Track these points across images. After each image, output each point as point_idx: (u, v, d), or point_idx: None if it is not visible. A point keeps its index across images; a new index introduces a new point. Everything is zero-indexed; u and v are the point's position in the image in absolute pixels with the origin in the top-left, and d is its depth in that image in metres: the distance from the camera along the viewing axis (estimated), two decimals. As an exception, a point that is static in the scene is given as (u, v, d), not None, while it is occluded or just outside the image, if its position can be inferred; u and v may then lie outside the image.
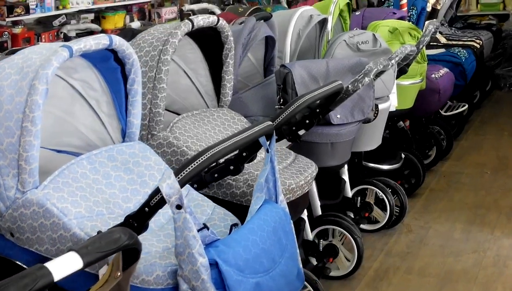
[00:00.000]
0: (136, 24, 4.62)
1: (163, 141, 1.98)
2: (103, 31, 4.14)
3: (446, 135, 4.49)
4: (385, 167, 3.52)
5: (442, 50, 4.69)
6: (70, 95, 1.74)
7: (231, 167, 1.75)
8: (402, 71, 3.27)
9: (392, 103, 3.20)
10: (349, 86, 2.26)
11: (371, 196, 3.37)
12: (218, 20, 2.09)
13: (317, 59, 2.69)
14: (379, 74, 2.59)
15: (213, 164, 1.69)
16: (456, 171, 4.32)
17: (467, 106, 4.72)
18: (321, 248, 2.80)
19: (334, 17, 3.42)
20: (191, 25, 2.01)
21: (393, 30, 3.41)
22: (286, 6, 6.30)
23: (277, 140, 2.27)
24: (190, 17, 2.03)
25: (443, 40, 5.14)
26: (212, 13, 5.55)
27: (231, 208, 1.86)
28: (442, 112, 4.58)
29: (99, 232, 1.42)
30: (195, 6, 5.45)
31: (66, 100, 1.74)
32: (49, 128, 1.73)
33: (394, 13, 3.91)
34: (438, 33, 5.26)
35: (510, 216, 3.52)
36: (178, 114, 2.28)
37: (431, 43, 4.95)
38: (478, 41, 5.19)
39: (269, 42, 2.67)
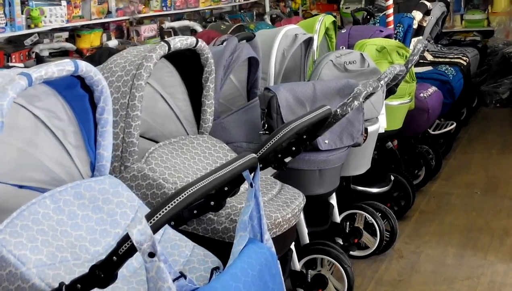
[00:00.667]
0: (113, 42, 4.46)
1: (138, 174, 1.83)
2: (78, 50, 3.97)
3: (435, 154, 4.38)
4: (374, 190, 3.39)
5: (429, 67, 4.60)
6: (33, 125, 1.58)
7: (212, 203, 1.60)
8: (391, 91, 3.15)
9: (381, 125, 3.08)
10: (338, 110, 2.13)
11: (360, 221, 3.23)
12: (197, 41, 1.94)
13: (303, 82, 2.56)
14: (368, 96, 2.47)
15: (192, 201, 1.53)
16: (446, 191, 4.20)
17: (455, 124, 4.63)
18: (309, 279, 2.65)
19: (320, 36, 3.30)
20: (167, 48, 1.87)
21: (380, 48, 3.29)
22: (270, 23, 6.19)
23: (261, 169, 2.13)
24: (166, 39, 1.89)
25: (429, 57, 5.05)
26: (194, 30, 5.43)
27: (212, 245, 1.71)
28: (431, 131, 4.48)
29: (61, 284, 1.26)
30: (175, 24, 5.32)
31: (29, 131, 1.58)
32: (10, 161, 1.58)
33: (381, 31, 3.81)
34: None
35: (503, 239, 3.39)
36: (155, 141, 2.13)
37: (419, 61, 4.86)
38: (464, 58, 5.12)
39: (252, 63, 2.54)
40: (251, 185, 1.51)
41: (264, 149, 1.64)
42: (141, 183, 1.81)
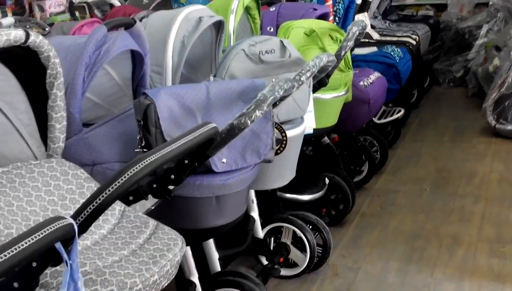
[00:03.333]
0: (7, 21, 3.83)
1: None
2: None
3: (380, 146, 3.94)
4: (305, 197, 2.92)
5: (374, 48, 4.11)
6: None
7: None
8: (321, 83, 2.66)
9: (308, 125, 2.59)
10: (234, 122, 1.61)
11: (287, 235, 2.75)
12: (28, 36, 1.40)
13: (193, 84, 2.03)
14: (283, 98, 1.96)
15: None
16: (392, 188, 3.77)
17: (403, 111, 4.18)
18: None
19: (237, 17, 2.77)
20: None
21: (309, 32, 2.78)
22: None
23: (133, 201, 1.62)
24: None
25: (375, 36, 4.57)
26: (111, 5, 4.82)
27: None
28: (375, 120, 4.02)
29: None
30: (89, -3, 4.69)
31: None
32: None
33: (315, 9, 3.29)
34: (370, 28, 4.69)
35: (452, 249, 2.97)
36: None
37: (362, 40, 4.38)
38: (414, 36, 4.66)
39: (136, 57, 2.00)
40: (66, 263, 1.00)
41: (86, 214, 1.09)
42: None
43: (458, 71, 6.07)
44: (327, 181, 3.04)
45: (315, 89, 2.68)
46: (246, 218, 2.63)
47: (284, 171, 2.38)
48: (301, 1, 3.93)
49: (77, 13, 4.65)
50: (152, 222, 1.53)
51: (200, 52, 2.60)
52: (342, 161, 3.55)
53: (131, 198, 1.58)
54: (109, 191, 1.09)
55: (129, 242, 1.42)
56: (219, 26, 2.50)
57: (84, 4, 4.75)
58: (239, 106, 1.68)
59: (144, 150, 1.70)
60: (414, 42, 4.53)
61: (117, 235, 1.44)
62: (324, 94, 2.83)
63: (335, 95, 2.87)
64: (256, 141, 1.80)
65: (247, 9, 2.99)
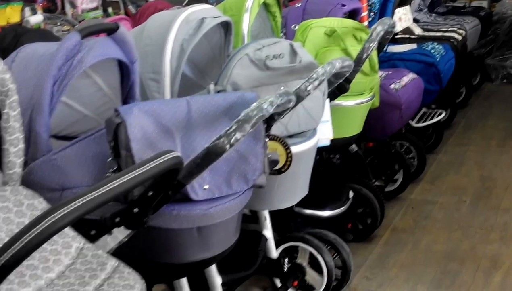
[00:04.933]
0: (36, 18, 3.72)
1: None
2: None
3: (417, 152, 3.63)
4: (326, 213, 2.67)
5: (414, 45, 3.79)
6: None
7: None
8: (341, 89, 2.40)
9: (324, 136, 2.35)
10: (210, 147, 1.39)
11: (303, 256, 2.52)
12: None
13: (173, 99, 1.83)
14: (281, 113, 1.73)
15: None
16: (428, 199, 3.46)
17: (444, 113, 3.85)
18: None
19: (253, 15, 2.53)
20: None
21: (330, 32, 2.52)
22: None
23: (96, 237, 1.43)
24: None
25: (417, 31, 4.24)
26: (146, 0, 4.67)
27: None
28: (413, 123, 3.72)
29: None
30: (121, -8, 4.54)
31: None
32: None
33: (343, 5, 3.02)
34: (412, 22, 4.37)
35: (489, 273, 2.68)
36: None
37: (400, 36, 4.07)
38: (460, 31, 4.29)
39: (123, 67, 1.80)
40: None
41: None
42: None
43: (512, 67, 5.63)
44: (351, 194, 2.78)
45: (335, 96, 2.43)
46: (258, 236, 2.42)
47: (293, 189, 2.14)
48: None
49: (110, 9, 4.51)
50: (112, 263, 1.33)
51: (208, 56, 2.39)
52: (373, 170, 3.29)
53: (93, 232, 1.39)
54: (12, 251, 0.89)
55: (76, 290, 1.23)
56: (227, 27, 2.28)
57: (119, 0, 4.62)
58: (225, 125, 1.46)
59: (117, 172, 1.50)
60: (460, 38, 4.17)
61: (66, 280, 1.26)
62: (347, 101, 2.57)
63: (359, 101, 2.60)
64: (243, 165, 1.57)
65: (266, 7, 2.76)
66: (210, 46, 2.36)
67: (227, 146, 1.39)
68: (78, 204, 0.98)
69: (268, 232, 2.41)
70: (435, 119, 3.74)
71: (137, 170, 1.13)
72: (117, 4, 4.64)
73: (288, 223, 2.63)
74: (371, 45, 2.36)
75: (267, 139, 1.80)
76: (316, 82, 1.90)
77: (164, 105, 1.54)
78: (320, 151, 2.50)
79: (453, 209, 3.31)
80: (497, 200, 3.36)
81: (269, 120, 1.78)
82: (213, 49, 2.37)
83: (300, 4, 3.12)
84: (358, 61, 2.37)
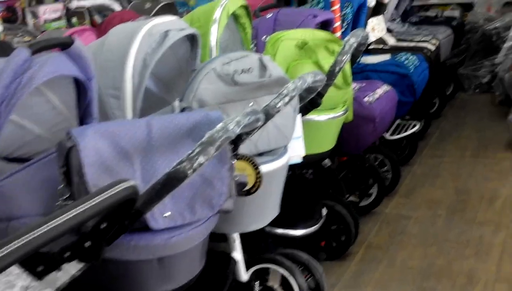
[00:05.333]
0: (-6, 29, 3.58)
1: None
2: None
3: (392, 165, 3.57)
4: (298, 232, 2.57)
5: (387, 56, 3.74)
6: None
7: None
8: (313, 104, 2.32)
9: (296, 153, 2.25)
10: (170, 172, 1.29)
11: (275, 278, 2.42)
12: None
13: (133, 119, 1.71)
14: (249, 133, 1.63)
15: None
16: (403, 213, 3.39)
17: (418, 125, 3.80)
18: None
19: (221, 27, 2.43)
20: None
21: (302, 44, 2.43)
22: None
23: (44, 273, 1.30)
24: None
25: (391, 41, 4.19)
26: (111, 10, 4.54)
27: None
28: (387, 136, 3.65)
29: None
30: (87, 2, 4.41)
31: None
32: None
33: (315, 16, 2.94)
34: (386, 32, 4.31)
35: (465, 289, 2.60)
36: None
37: (373, 47, 4.01)
38: (433, 41, 4.26)
39: (79, 84, 1.68)
40: None
41: None
42: None
43: (485, 76, 5.63)
44: (324, 211, 2.69)
45: (307, 111, 2.34)
46: (226, 259, 2.31)
47: (263, 210, 2.04)
48: (303, 6, 3.59)
49: (74, 19, 4.37)
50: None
51: (174, 70, 2.28)
52: (347, 185, 3.21)
53: (40, 268, 1.27)
54: None
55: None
56: (192, 40, 2.17)
57: (84, 10, 4.48)
58: (189, 147, 1.36)
59: (68, 201, 1.39)
60: (433, 48, 4.14)
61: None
62: (319, 116, 2.48)
63: (332, 116, 2.52)
64: (208, 190, 1.47)
65: (235, 18, 2.66)
66: (176, 59, 2.25)
67: (189, 171, 1.29)
68: (16, 246, 0.87)
69: (237, 254, 2.30)
70: (409, 132, 3.68)
71: (86, 203, 1.02)
72: (82, 14, 4.51)
73: (259, 243, 2.53)
74: (343, 58, 2.28)
75: (235, 159, 1.71)
76: (287, 99, 1.81)
77: (122, 126, 1.43)
78: (292, 166, 2.41)
79: (428, 223, 3.24)
80: (472, 212, 3.30)
81: (237, 140, 1.68)
82: (180, 62, 2.26)
83: (271, 15, 3.04)
84: (331, 75, 2.29)
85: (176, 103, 1.92)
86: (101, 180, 1.36)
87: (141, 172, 1.42)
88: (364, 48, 2.61)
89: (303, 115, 2.34)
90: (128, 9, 4.39)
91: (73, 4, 4.25)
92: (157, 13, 4.19)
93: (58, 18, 4.35)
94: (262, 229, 2.46)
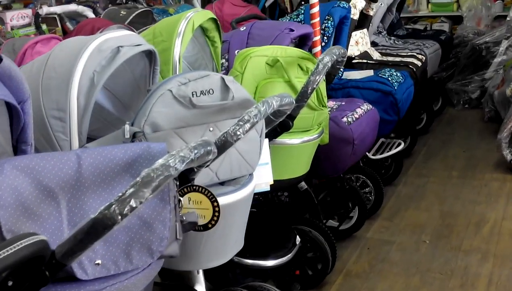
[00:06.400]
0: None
1: None
2: None
3: (374, 187, 3.38)
4: (269, 262, 2.38)
5: (371, 72, 3.56)
6: None
7: None
8: (283, 127, 2.14)
9: (263, 180, 2.07)
10: (97, 217, 1.09)
11: (241, 314, 2.23)
12: None
13: (60, 152, 1.52)
14: (200, 166, 1.44)
15: None
16: (386, 238, 3.21)
17: (403, 145, 3.63)
18: None
19: (185, 41, 2.25)
20: None
21: (272, 62, 2.25)
22: (198, 6, 5.11)
23: None
24: None
25: (376, 56, 4.02)
26: (84, 16, 4.35)
27: None
28: (370, 155, 3.47)
29: None
30: (58, 8, 4.22)
31: None
32: None
33: (292, 30, 2.76)
34: (371, 46, 4.15)
35: (451, 327, 2.42)
36: None
37: (357, 61, 3.84)
38: (420, 56, 4.09)
39: (11, 107, 1.49)
40: None
41: None
42: None
43: (474, 91, 5.47)
44: (298, 239, 2.50)
45: (276, 134, 2.16)
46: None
47: (224, 245, 1.85)
48: (282, 18, 3.41)
49: (44, 26, 4.18)
50: None
51: (132, 88, 2.09)
52: (326, 208, 3.03)
53: None
54: None
55: None
56: (151, 56, 1.99)
57: (55, 16, 4.29)
58: (125, 184, 1.17)
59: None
60: (419, 63, 3.97)
61: None
62: (291, 139, 2.30)
63: (306, 139, 2.34)
64: (147, 234, 1.28)
65: (204, 31, 2.48)
66: (134, 77, 2.07)
67: (119, 217, 1.10)
68: None
69: (201, 288, 2.11)
70: (393, 151, 3.50)
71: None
72: (54, 20, 4.32)
73: (226, 274, 2.34)
74: (316, 78, 2.10)
75: (189, 191, 1.52)
76: (247, 126, 1.63)
77: (46, 161, 1.24)
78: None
79: (412, 249, 3.06)
80: (458, 239, 3.12)
81: (187, 173, 1.50)
82: (137, 81, 2.07)
83: (244, 28, 2.86)
84: (303, 96, 2.11)
85: (127, 127, 1.73)
86: (18, 224, 1.17)
87: (68, 214, 1.23)
88: (341, 66, 2.43)
89: (272, 138, 2.16)
90: (101, 17, 4.21)
91: (43, 10, 4.05)
92: (132, 21, 4.02)
93: (28, 25, 4.16)
94: (230, 259, 2.28)
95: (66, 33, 4.19)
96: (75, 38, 1.90)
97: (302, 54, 2.33)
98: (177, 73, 2.25)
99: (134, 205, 1.12)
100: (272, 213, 2.66)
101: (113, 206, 1.10)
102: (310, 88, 2.10)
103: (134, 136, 1.73)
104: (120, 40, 1.84)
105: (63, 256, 1.12)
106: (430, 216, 3.43)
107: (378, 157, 3.47)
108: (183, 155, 1.24)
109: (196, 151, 1.29)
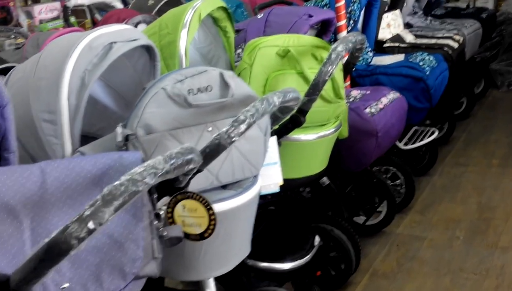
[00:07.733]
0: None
1: None
2: None
3: (406, 179, 3.20)
4: (285, 265, 2.25)
5: (401, 57, 3.35)
6: None
7: None
8: (295, 122, 1.99)
9: (272, 181, 1.93)
10: (56, 239, 0.99)
11: (254, 320, 2.12)
12: None
13: (22, 166, 1.41)
14: (188, 171, 1.32)
15: None
16: (417, 234, 3.03)
17: (437, 133, 3.41)
18: None
19: (192, 32, 2.12)
20: None
21: (283, 53, 2.09)
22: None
23: None
24: None
25: (409, 38, 3.80)
26: (112, 7, 4.29)
27: None
28: (401, 145, 3.28)
29: None
30: (86, 0, 4.16)
31: None
32: None
33: (311, 16, 2.59)
34: (403, 28, 3.93)
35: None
36: None
37: (388, 45, 3.64)
38: (457, 37, 3.84)
39: (-14, 111, 1.41)
40: None
41: None
42: None
43: (520, 72, 5.17)
44: (317, 240, 2.36)
45: (287, 131, 2.01)
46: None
47: (226, 253, 1.73)
48: (306, 3, 3.24)
49: (73, 19, 4.13)
50: None
51: (135, 84, 1.98)
52: (351, 204, 2.87)
53: None
54: None
55: None
56: (149, 52, 1.87)
57: (85, 8, 4.24)
58: (95, 195, 1.06)
59: None
60: (456, 45, 3.72)
61: None
62: (307, 135, 2.14)
63: (322, 134, 2.18)
64: (118, 255, 1.17)
65: (215, 21, 2.34)
66: (136, 73, 1.96)
67: (74, 242, 0.99)
68: None
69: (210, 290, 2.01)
70: (426, 141, 3.30)
71: None
72: (83, 12, 4.27)
73: (240, 278, 2.23)
74: (329, 68, 1.94)
75: (183, 198, 1.41)
76: (243, 126, 1.49)
77: (6, 176, 1.14)
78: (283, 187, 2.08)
79: (444, 246, 2.87)
80: (495, 235, 2.92)
81: (173, 181, 1.38)
82: (140, 76, 1.96)
83: (262, 15, 2.71)
84: (314, 88, 1.95)
85: (119, 129, 1.62)
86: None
87: (32, 234, 1.13)
88: (361, 54, 2.26)
89: (284, 135, 2.02)
90: (129, 7, 4.13)
91: (72, 3, 4.00)
92: (161, 10, 3.92)
93: (56, 18, 4.13)
94: (243, 262, 2.17)
95: (95, 26, 4.13)
96: (67, 35, 1.80)
97: (317, 42, 2.16)
98: (183, 67, 2.12)
99: (92, 227, 1.00)
100: (291, 211, 2.52)
101: (69, 228, 0.99)
102: (321, 80, 1.94)
103: (126, 139, 1.63)
104: (113, 35, 1.72)
105: (17, 284, 1.02)
106: (466, 209, 3.22)
107: (410, 147, 3.28)
108: (155, 167, 1.12)
109: (172, 161, 1.16)
